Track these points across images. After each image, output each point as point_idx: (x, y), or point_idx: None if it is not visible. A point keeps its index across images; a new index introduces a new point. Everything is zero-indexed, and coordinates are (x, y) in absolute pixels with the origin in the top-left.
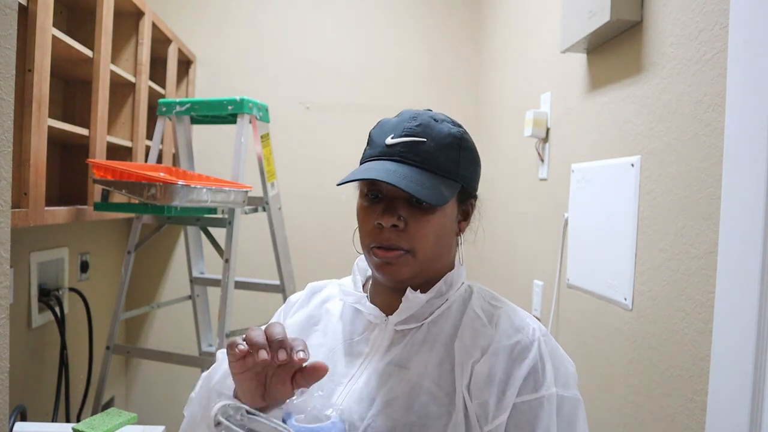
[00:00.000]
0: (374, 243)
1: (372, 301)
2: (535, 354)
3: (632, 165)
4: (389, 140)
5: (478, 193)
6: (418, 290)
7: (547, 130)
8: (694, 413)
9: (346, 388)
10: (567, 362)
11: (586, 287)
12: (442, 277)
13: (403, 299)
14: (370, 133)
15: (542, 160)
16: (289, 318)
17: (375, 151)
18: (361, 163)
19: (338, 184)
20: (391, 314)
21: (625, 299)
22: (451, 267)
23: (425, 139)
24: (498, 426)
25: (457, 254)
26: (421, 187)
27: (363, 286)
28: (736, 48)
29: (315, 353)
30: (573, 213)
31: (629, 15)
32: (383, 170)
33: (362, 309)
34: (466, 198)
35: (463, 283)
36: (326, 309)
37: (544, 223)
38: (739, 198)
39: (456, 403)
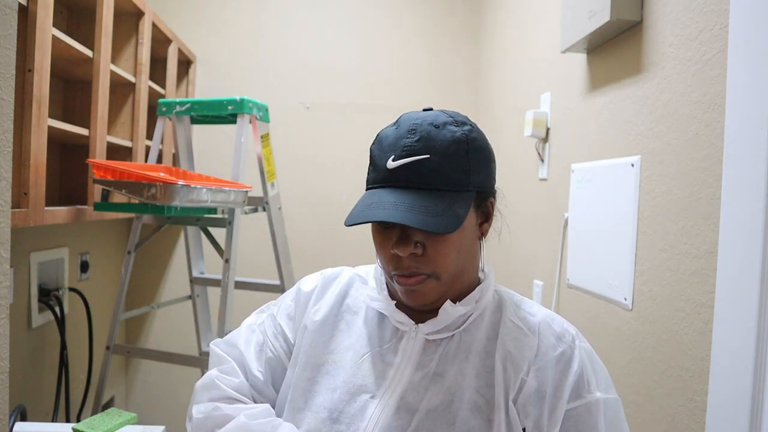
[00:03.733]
0: (394, 271)
1: (397, 306)
2: (578, 362)
3: (632, 165)
4: (390, 164)
5: (496, 187)
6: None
7: (547, 130)
8: (694, 413)
9: (381, 402)
10: (601, 363)
11: (586, 287)
12: (470, 285)
13: (440, 311)
14: (370, 150)
15: (542, 160)
16: (307, 313)
17: (378, 176)
18: (366, 188)
19: (347, 225)
20: (420, 322)
21: (625, 299)
22: (477, 272)
23: (428, 155)
24: None
25: (482, 260)
26: (431, 217)
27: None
28: (736, 48)
29: (342, 356)
30: (573, 213)
31: (629, 15)
32: (388, 204)
33: (390, 316)
34: (484, 200)
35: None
36: (347, 306)
37: (544, 223)
38: (739, 198)
39: (496, 417)
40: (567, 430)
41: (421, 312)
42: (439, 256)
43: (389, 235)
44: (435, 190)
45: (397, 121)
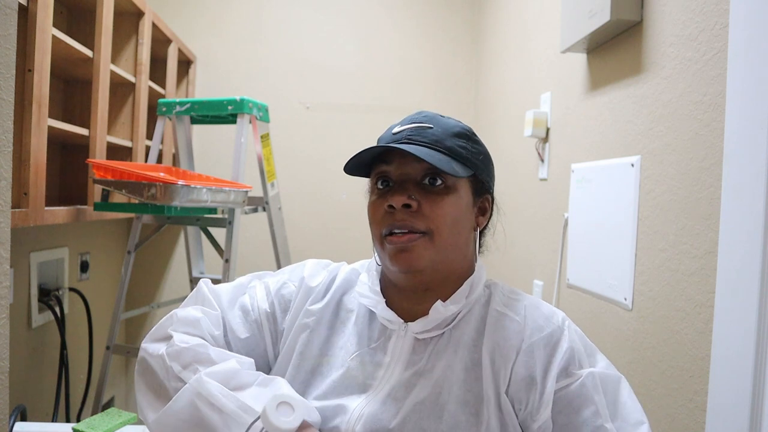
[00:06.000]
0: (386, 229)
1: (387, 304)
2: (568, 341)
3: (632, 165)
4: (396, 129)
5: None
6: (446, 300)
7: (547, 130)
8: (694, 413)
9: (367, 398)
10: (595, 347)
11: (586, 287)
12: (461, 275)
13: (431, 310)
14: (378, 140)
15: (542, 160)
16: (305, 311)
17: (381, 143)
18: None
19: (345, 169)
20: (410, 320)
21: (625, 299)
22: (470, 264)
23: (432, 126)
24: (546, 421)
25: (475, 252)
26: (432, 158)
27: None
28: (736, 48)
29: (334, 356)
30: (573, 213)
31: (629, 15)
32: (391, 145)
33: (378, 313)
34: (482, 192)
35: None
36: (344, 303)
37: (544, 223)
38: (739, 198)
39: (485, 411)
40: (562, 409)
41: (409, 310)
42: (434, 214)
43: (385, 196)
44: (437, 150)
45: None
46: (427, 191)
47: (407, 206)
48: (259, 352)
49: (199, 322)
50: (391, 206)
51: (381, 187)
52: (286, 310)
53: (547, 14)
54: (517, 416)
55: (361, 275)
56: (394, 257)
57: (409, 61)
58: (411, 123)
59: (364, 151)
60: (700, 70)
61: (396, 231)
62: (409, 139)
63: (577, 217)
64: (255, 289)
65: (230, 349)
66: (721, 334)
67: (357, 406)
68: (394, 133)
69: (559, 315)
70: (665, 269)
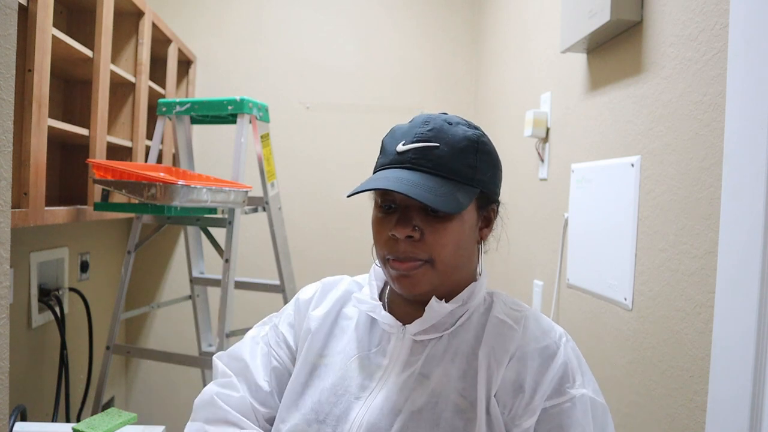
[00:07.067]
0: (390, 255)
1: (389, 310)
2: (563, 357)
3: (632, 165)
4: (400, 147)
5: (500, 198)
6: (443, 300)
7: (547, 130)
8: (694, 413)
9: (366, 403)
10: (586, 365)
11: (586, 287)
12: (464, 286)
13: (426, 308)
14: (382, 141)
15: (542, 160)
16: (308, 318)
17: (386, 160)
18: (373, 173)
19: (348, 196)
20: (409, 323)
21: (625, 299)
22: (473, 277)
23: (438, 144)
24: (528, 429)
25: (479, 263)
26: (434, 195)
27: (381, 293)
28: (736, 48)
29: (333, 360)
30: (573, 213)
31: (629, 15)
32: (393, 179)
33: (377, 318)
34: (487, 204)
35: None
36: (344, 313)
37: (544, 223)
38: (739, 198)
39: (477, 416)
40: (550, 428)
41: (410, 314)
42: (437, 243)
43: (389, 219)
44: (440, 176)
45: (412, 118)
46: (430, 217)
47: (410, 236)
48: (286, 381)
49: (213, 399)
50: (394, 235)
51: (385, 207)
52: (291, 332)
53: (547, 14)
54: (504, 420)
55: (364, 288)
56: (396, 280)
57: (409, 61)
58: (416, 140)
59: (369, 186)
60: (700, 70)
61: (399, 258)
62: (412, 164)
63: (577, 217)
64: (267, 335)
65: (258, 398)
66: (721, 334)
67: (357, 415)
68: (399, 152)
69: (557, 330)
70: (665, 269)
